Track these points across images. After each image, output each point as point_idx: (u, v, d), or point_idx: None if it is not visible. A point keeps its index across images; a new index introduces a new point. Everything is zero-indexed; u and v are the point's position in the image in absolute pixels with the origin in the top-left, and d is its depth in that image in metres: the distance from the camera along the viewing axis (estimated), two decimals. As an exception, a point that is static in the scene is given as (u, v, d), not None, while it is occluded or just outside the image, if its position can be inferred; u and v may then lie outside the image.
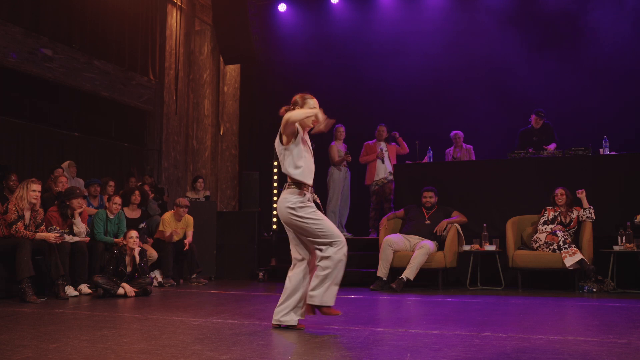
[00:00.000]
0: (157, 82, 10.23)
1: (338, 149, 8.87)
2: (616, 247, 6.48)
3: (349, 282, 7.35)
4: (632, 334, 3.72)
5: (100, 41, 9.10)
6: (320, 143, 9.05)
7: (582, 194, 6.69)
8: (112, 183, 7.79)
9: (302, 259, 3.96)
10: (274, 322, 3.94)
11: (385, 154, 8.71)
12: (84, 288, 6.08)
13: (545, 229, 6.74)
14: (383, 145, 8.79)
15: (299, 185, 3.87)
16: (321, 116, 3.84)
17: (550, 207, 6.85)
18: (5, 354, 3.09)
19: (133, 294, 5.92)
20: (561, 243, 6.47)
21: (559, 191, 6.79)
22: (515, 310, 5.09)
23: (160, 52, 10.37)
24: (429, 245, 6.77)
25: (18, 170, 7.32)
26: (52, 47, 8.15)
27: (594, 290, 6.39)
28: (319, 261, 3.84)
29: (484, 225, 7.06)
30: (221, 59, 11.46)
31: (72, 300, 5.60)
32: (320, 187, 9.17)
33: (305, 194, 3.87)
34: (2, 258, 5.60)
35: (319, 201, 3.98)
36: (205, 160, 11.11)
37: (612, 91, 9.18)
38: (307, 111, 3.84)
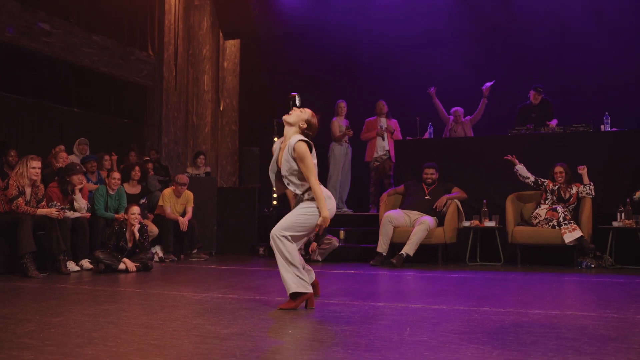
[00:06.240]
0: (156, 57, 10.15)
1: (339, 124, 8.85)
2: (615, 224, 6.50)
3: (349, 257, 7.41)
4: (629, 309, 3.75)
5: (98, 15, 8.99)
6: (321, 118, 9.06)
7: (583, 170, 6.68)
8: (107, 157, 7.78)
9: None
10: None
11: (385, 133, 8.68)
12: (86, 263, 6.11)
13: (546, 201, 6.76)
14: (383, 121, 8.76)
15: None
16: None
17: (549, 180, 6.85)
18: (9, 327, 3.12)
19: (134, 269, 5.95)
20: (561, 219, 6.48)
21: (558, 169, 6.77)
22: (514, 286, 5.13)
23: (159, 27, 10.26)
24: (428, 221, 6.80)
25: (17, 146, 7.31)
26: (49, 21, 8.07)
27: (593, 266, 6.42)
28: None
29: (484, 201, 7.07)
30: (221, 34, 11.35)
31: (73, 275, 5.64)
32: (321, 162, 9.15)
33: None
34: (3, 234, 5.63)
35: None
36: (205, 136, 11.08)
37: (614, 67, 9.11)
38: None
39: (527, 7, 9.81)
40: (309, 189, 3.79)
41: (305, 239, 3.92)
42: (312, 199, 3.79)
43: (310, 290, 3.78)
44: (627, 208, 6.48)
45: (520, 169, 6.90)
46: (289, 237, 3.75)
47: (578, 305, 4.04)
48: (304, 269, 3.90)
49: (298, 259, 3.78)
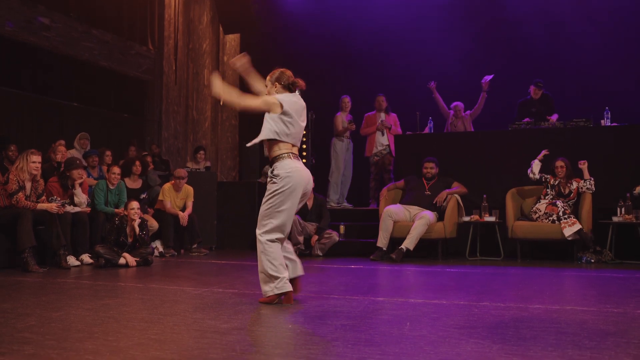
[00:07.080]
0: (156, 51, 10.13)
1: (342, 119, 8.86)
2: (615, 219, 6.50)
3: (349, 252, 7.41)
4: (628, 304, 3.76)
5: (98, 10, 8.96)
6: (325, 115, 9.06)
7: (584, 165, 6.68)
8: (108, 152, 7.78)
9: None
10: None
11: (383, 129, 8.68)
12: (86, 258, 6.12)
13: (546, 196, 6.76)
14: (382, 115, 8.76)
15: None
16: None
17: (551, 175, 6.85)
18: (10, 322, 3.13)
19: (134, 263, 5.96)
20: (560, 214, 6.49)
21: (559, 163, 6.77)
22: (514, 281, 5.14)
23: (159, 21, 10.23)
24: (428, 215, 6.80)
25: (17, 141, 7.30)
26: (49, 15, 8.04)
27: (592, 260, 6.43)
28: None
29: (484, 196, 7.07)
30: (221, 29, 11.32)
31: (74, 270, 5.64)
32: (323, 158, 9.17)
33: None
34: (3, 228, 5.63)
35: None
36: (205, 130, 11.07)
37: (615, 62, 9.10)
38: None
39: (527, 2, 9.78)
40: (272, 161, 3.80)
41: (287, 217, 3.70)
42: (272, 178, 3.74)
43: (284, 289, 3.69)
44: (627, 203, 6.48)
45: (536, 163, 6.84)
46: (267, 229, 3.69)
47: (578, 300, 4.04)
48: (290, 260, 3.86)
49: (266, 260, 3.67)
